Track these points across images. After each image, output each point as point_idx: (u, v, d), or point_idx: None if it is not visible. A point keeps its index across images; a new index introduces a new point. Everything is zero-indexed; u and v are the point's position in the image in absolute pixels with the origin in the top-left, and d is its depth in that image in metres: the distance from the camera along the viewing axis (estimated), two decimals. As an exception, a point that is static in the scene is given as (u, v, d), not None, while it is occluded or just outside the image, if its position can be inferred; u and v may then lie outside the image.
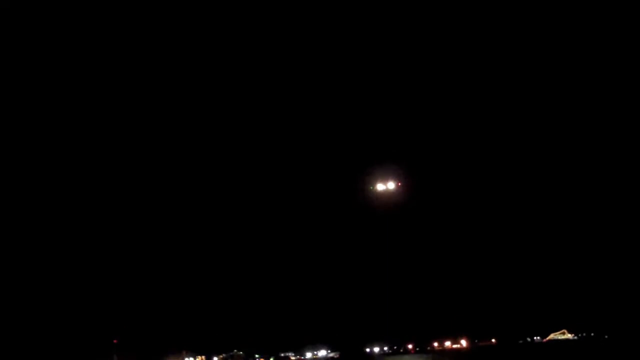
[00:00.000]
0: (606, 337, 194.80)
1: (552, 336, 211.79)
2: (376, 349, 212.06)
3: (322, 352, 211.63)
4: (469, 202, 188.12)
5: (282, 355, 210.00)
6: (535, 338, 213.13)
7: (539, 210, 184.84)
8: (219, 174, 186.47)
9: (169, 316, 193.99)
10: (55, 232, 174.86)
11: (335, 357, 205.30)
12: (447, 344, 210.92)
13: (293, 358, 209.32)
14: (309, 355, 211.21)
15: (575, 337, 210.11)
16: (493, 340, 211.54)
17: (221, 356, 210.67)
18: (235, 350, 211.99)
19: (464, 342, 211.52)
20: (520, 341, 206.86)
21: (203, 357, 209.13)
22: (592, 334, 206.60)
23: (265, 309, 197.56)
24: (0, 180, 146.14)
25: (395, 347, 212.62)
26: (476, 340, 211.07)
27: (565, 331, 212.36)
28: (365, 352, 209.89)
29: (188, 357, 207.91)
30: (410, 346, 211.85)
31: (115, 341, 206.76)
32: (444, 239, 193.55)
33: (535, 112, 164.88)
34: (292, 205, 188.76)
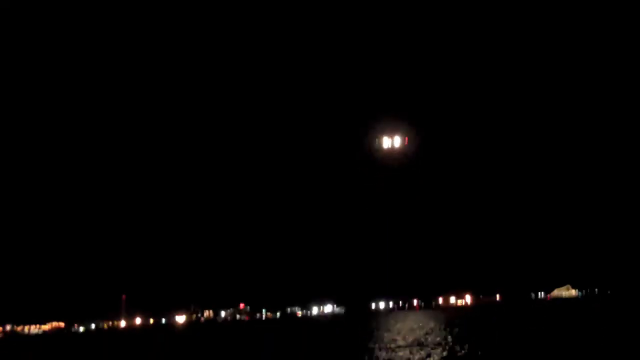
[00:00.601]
0: (609, 292, 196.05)
1: (556, 291, 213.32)
2: (381, 305, 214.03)
3: (328, 308, 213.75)
4: (475, 156, 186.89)
5: (289, 310, 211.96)
6: (539, 293, 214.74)
7: (546, 163, 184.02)
8: (223, 128, 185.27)
9: (176, 272, 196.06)
10: (66, 190, 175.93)
11: (341, 312, 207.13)
12: (452, 299, 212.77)
13: (299, 313, 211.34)
14: (315, 310, 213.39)
15: (579, 293, 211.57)
16: (497, 296, 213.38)
17: (228, 311, 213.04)
18: (243, 305, 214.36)
19: (468, 298, 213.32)
20: (525, 297, 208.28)
21: (210, 311, 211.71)
22: (596, 289, 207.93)
23: (272, 265, 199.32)
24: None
25: (400, 303, 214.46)
26: (480, 296, 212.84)
27: (569, 286, 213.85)
28: (371, 307, 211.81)
29: (196, 312, 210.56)
30: (415, 302, 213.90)
31: (124, 297, 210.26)
32: (449, 194, 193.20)
33: (544, 63, 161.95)
34: (299, 162, 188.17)
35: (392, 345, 43.97)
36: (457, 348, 37.83)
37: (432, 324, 74.92)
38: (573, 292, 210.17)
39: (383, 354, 37.21)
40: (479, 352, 35.19)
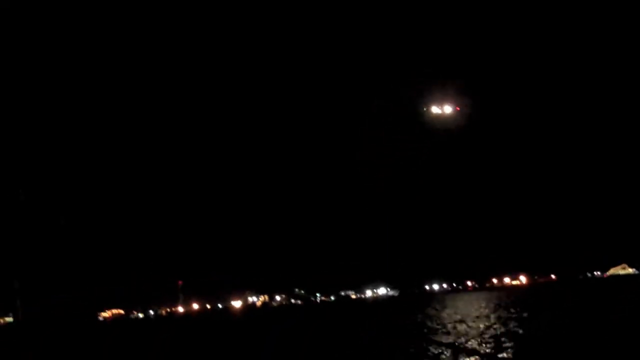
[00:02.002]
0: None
1: (612, 271, 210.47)
2: (435, 286, 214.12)
3: (382, 290, 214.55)
4: (530, 138, 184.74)
5: (343, 294, 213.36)
6: (595, 273, 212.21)
7: (603, 145, 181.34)
8: (261, 113, 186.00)
9: (232, 257, 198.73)
10: (124, 182, 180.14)
11: (395, 295, 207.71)
12: (506, 280, 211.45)
13: (353, 296, 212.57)
14: (369, 293, 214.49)
15: (636, 272, 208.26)
16: (552, 276, 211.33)
17: (284, 295, 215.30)
18: (297, 289, 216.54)
19: (523, 279, 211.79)
20: (580, 276, 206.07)
21: (266, 296, 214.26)
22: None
23: (326, 249, 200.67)
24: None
25: (454, 285, 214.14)
26: (535, 277, 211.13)
27: (626, 265, 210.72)
28: (425, 289, 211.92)
29: (251, 296, 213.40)
30: (469, 283, 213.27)
31: (180, 282, 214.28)
32: (502, 175, 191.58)
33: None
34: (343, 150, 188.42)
35: (449, 321, 44.59)
36: (513, 324, 38.23)
37: (486, 302, 75.39)
38: (630, 271, 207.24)
39: (440, 329, 37.80)
40: (537, 325, 35.62)
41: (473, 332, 33.79)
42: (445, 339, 30.83)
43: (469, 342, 28.72)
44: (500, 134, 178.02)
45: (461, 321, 42.79)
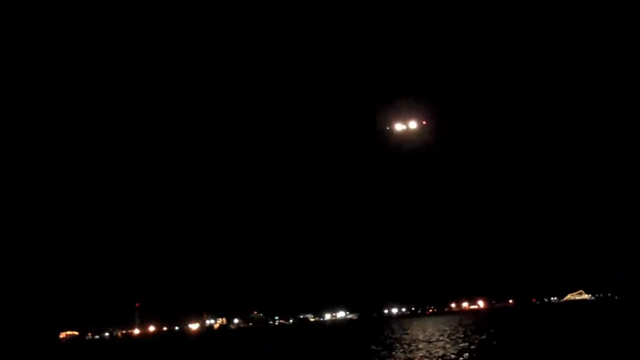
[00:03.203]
0: (620, 297, 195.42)
1: (569, 297, 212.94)
2: (394, 310, 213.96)
3: (341, 314, 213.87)
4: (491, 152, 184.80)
5: (302, 317, 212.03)
6: (552, 299, 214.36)
7: (560, 169, 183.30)
8: (236, 134, 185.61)
9: (189, 280, 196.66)
10: (81, 203, 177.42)
11: (354, 318, 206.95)
12: (465, 304, 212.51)
13: (312, 319, 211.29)
14: (327, 317, 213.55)
15: (593, 297, 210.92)
16: (510, 300, 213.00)
17: (242, 318, 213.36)
18: (256, 312, 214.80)
19: (481, 303, 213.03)
20: (537, 302, 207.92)
21: (224, 319, 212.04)
22: (609, 294, 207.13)
23: (284, 272, 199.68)
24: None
25: (413, 309, 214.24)
26: (493, 301, 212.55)
27: (583, 291, 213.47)
28: (384, 313, 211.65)
29: (209, 319, 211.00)
30: (428, 307, 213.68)
31: (137, 305, 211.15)
32: (461, 198, 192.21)
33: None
34: (311, 165, 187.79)
35: (408, 341, 44.59)
36: (469, 343, 38.38)
37: (445, 324, 75.48)
38: (586, 297, 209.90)
39: (399, 349, 37.79)
40: (493, 344, 35.83)
41: (436, 352, 33.82)
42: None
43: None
44: (461, 159, 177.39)
45: (426, 341, 42.85)
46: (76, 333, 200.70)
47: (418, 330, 63.88)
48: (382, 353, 35.60)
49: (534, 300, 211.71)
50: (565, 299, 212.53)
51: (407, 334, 58.27)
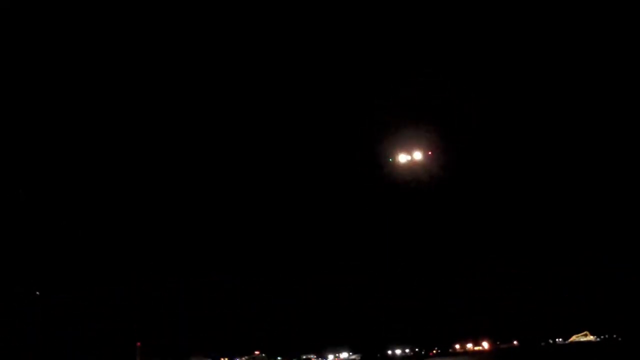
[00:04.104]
0: (629, 338, 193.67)
1: (574, 338, 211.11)
2: (398, 351, 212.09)
3: (344, 355, 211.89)
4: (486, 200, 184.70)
5: (304, 357, 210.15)
6: (557, 340, 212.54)
7: (565, 210, 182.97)
8: (230, 169, 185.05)
9: (191, 319, 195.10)
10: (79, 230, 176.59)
11: (357, 359, 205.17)
12: (469, 346, 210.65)
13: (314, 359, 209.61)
14: (330, 357, 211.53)
15: (598, 339, 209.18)
16: (515, 342, 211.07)
17: (243, 358, 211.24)
18: (257, 352, 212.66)
19: (485, 344, 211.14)
20: (542, 343, 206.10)
21: (226, 359, 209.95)
22: (615, 336, 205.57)
23: (287, 311, 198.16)
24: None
25: (416, 350, 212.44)
26: (498, 342, 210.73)
27: (588, 333, 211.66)
28: (387, 354, 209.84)
29: (210, 358, 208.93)
30: (431, 348, 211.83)
31: (138, 344, 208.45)
32: (464, 240, 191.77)
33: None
34: (309, 204, 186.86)
35: None
36: None
37: None
38: (591, 338, 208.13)
39: None
40: None
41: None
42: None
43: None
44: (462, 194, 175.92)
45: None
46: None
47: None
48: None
49: (538, 342, 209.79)
50: (570, 340, 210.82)
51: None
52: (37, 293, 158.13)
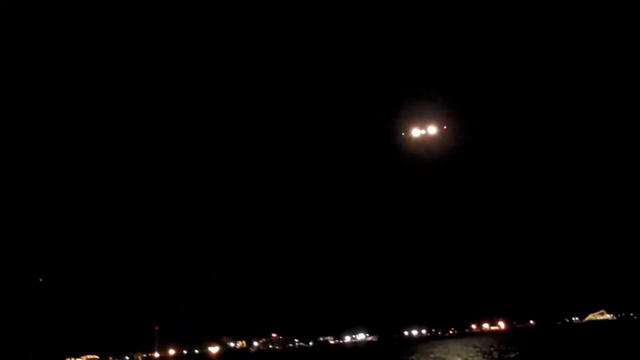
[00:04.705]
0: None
1: (590, 317, 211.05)
2: (414, 332, 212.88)
3: (361, 336, 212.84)
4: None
5: (322, 339, 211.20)
6: (573, 319, 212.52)
7: (586, 193, 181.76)
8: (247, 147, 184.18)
9: (209, 302, 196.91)
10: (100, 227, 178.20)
11: (374, 340, 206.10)
12: (485, 326, 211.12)
13: (332, 342, 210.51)
14: (347, 339, 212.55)
15: (614, 317, 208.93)
16: (531, 321, 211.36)
17: (261, 341, 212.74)
18: (275, 335, 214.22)
19: (501, 324, 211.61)
20: (559, 322, 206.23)
21: (243, 341, 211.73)
22: (631, 314, 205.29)
23: (305, 294, 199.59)
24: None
25: (433, 330, 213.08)
26: (514, 322, 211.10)
27: (604, 311, 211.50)
28: (404, 334, 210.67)
29: (229, 342, 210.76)
30: (448, 329, 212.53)
31: (157, 328, 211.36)
32: (480, 218, 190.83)
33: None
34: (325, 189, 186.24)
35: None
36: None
37: (467, 345, 75.54)
38: (608, 317, 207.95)
39: None
40: None
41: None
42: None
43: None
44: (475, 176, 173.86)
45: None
46: (97, 357, 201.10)
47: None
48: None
49: (555, 320, 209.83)
50: (586, 319, 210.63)
51: None
52: (40, 280, 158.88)
